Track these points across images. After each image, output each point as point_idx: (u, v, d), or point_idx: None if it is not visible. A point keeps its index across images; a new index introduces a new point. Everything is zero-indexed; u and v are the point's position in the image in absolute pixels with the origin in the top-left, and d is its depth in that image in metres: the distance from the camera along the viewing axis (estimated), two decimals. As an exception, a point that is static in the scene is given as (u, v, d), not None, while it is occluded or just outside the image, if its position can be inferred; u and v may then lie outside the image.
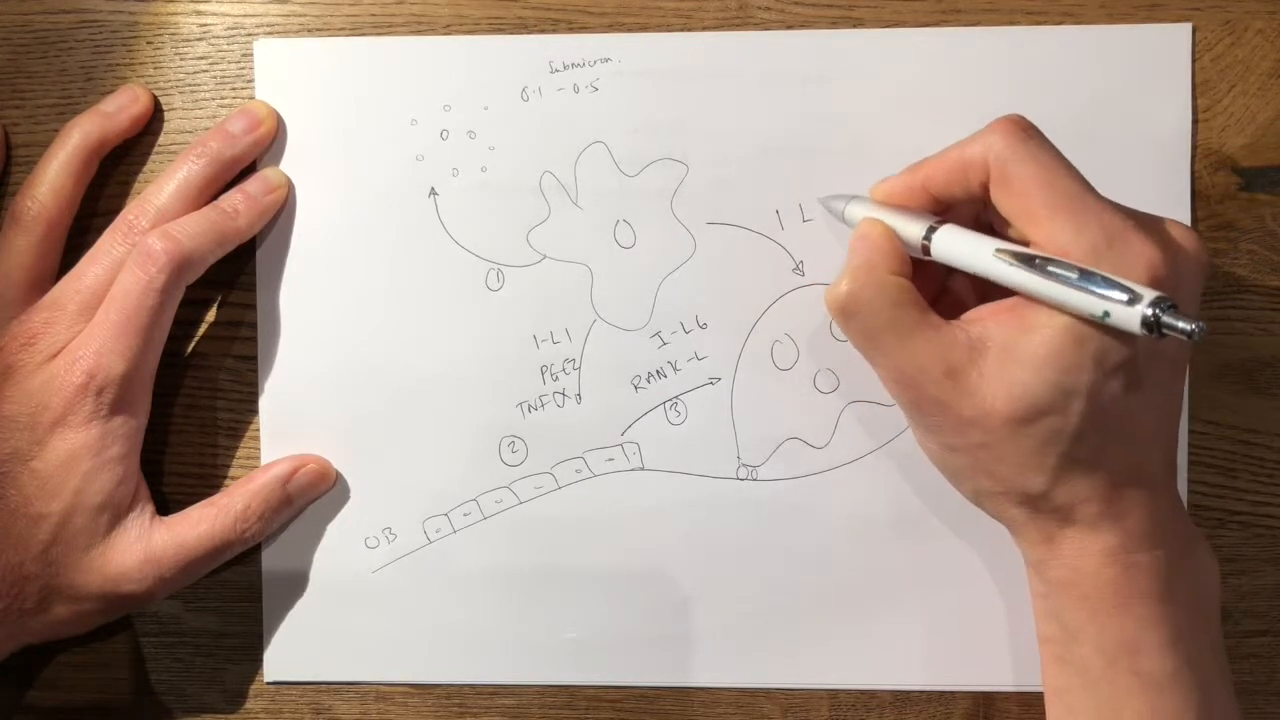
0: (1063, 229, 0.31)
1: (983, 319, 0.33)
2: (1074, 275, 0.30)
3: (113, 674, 0.42)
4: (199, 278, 0.38)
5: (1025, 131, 0.32)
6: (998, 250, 0.32)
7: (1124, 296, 0.29)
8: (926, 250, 0.34)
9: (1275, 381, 0.40)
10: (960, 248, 0.33)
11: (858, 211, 0.36)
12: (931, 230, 0.34)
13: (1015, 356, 0.32)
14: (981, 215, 0.35)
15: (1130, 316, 0.29)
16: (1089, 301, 0.30)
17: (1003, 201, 0.33)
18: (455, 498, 0.41)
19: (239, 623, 0.41)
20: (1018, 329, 0.32)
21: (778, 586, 0.40)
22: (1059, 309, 0.31)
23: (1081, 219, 0.31)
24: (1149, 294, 0.29)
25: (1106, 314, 0.30)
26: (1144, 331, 0.29)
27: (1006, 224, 0.33)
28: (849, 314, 0.34)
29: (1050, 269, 0.31)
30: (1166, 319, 0.29)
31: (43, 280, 0.39)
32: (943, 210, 0.35)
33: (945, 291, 0.37)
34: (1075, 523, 0.33)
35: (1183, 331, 0.29)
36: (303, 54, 0.41)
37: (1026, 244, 0.32)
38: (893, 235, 0.34)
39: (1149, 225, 0.32)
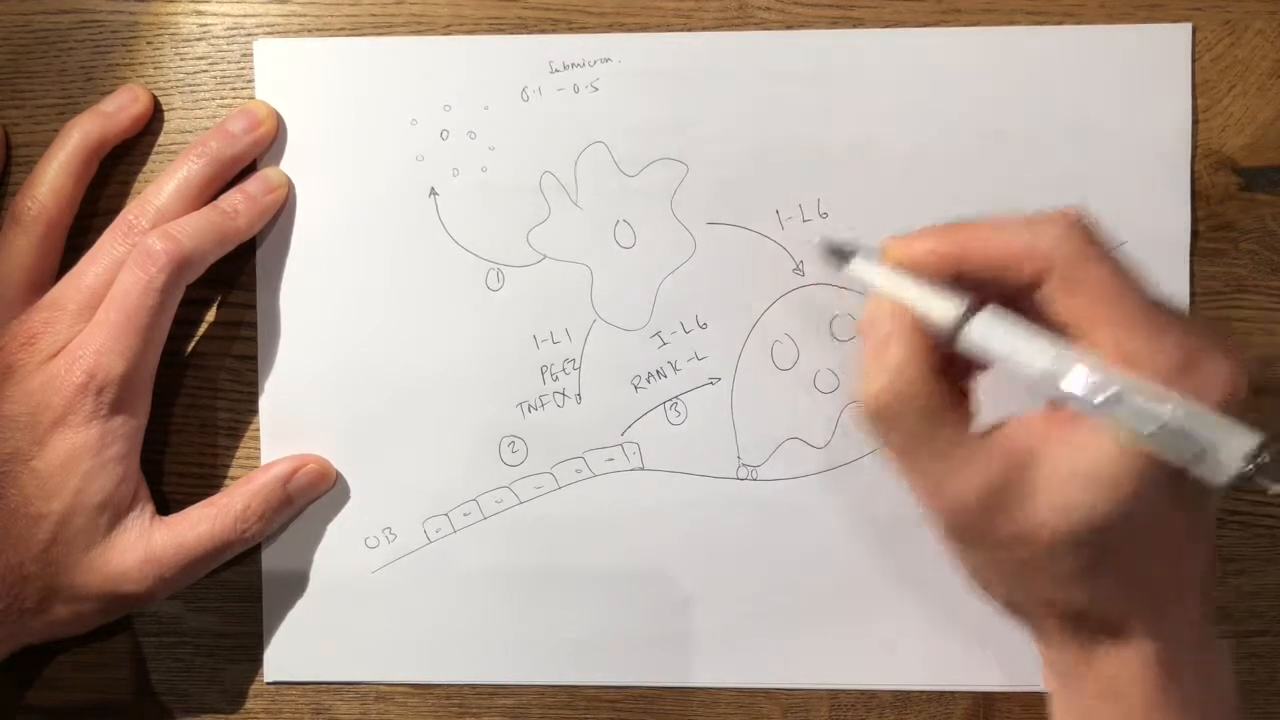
0: (1140, 345, 0.29)
1: (1026, 429, 0.30)
2: (1179, 414, 0.27)
3: (113, 674, 0.42)
4: (199, 278, 0.38)
5: (1092, 231, 0.30)
6: (1080, 364, 0.28)
7: (1242, 449, 0.27)
8: (952, 338, 0.30)
9: (1275, 381, 0.40)
10: (1010, 345, 0.29)
11: (865, 272, 0.32)
12: (967, 316, 0.29)
13: (1066, 475, 0.29)
14: (1010, 300, 0.31)
15: (1228, 467, 0.27)
16: (1179, 448, 0.28)
17: (1064, 301, 0.30)
18: (455, 498, 0.41)
19: (239, 623, 0.41)
20: (1067, 445, 0.29)
21: (778, 586, 0.40)
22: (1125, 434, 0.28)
23: (1161, 337, 0.29)
24: (1263, 450, 0.27)
25: (1198, 458, 0.27)
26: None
27: (1054, 319, 0.30)
28: (887, 423, 0.31)
29: (1144, 406, 0.28)
30: (1260, 479, 0.27)
31: (43, 280, 0.39)
32: (966, 287, 0.31)
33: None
34: (1116, 635, 0.31)
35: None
36: (303, 54, 0.41)
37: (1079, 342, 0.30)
38: (920, 327, 0.30)
39: (1218, 340, 0.29)
